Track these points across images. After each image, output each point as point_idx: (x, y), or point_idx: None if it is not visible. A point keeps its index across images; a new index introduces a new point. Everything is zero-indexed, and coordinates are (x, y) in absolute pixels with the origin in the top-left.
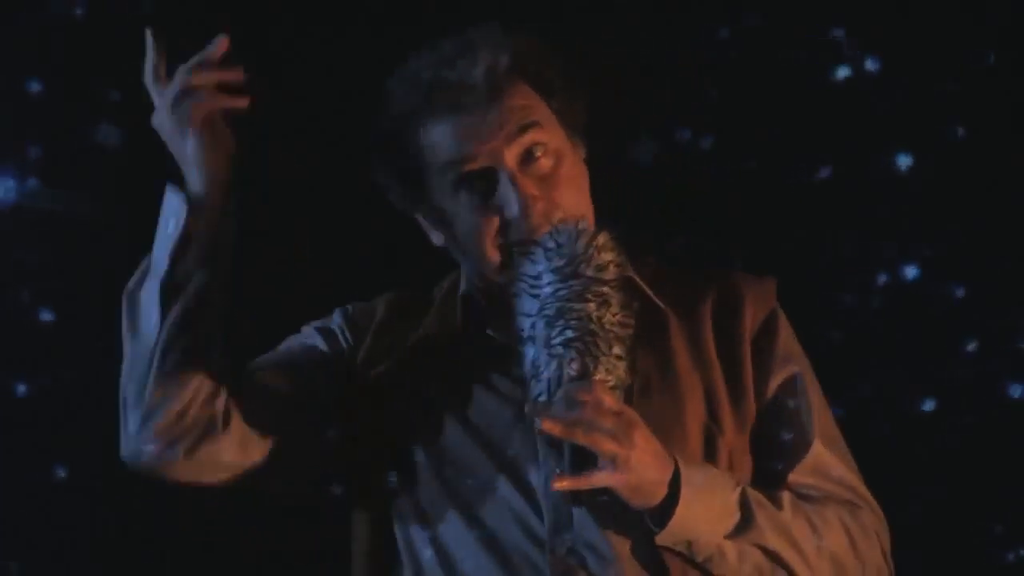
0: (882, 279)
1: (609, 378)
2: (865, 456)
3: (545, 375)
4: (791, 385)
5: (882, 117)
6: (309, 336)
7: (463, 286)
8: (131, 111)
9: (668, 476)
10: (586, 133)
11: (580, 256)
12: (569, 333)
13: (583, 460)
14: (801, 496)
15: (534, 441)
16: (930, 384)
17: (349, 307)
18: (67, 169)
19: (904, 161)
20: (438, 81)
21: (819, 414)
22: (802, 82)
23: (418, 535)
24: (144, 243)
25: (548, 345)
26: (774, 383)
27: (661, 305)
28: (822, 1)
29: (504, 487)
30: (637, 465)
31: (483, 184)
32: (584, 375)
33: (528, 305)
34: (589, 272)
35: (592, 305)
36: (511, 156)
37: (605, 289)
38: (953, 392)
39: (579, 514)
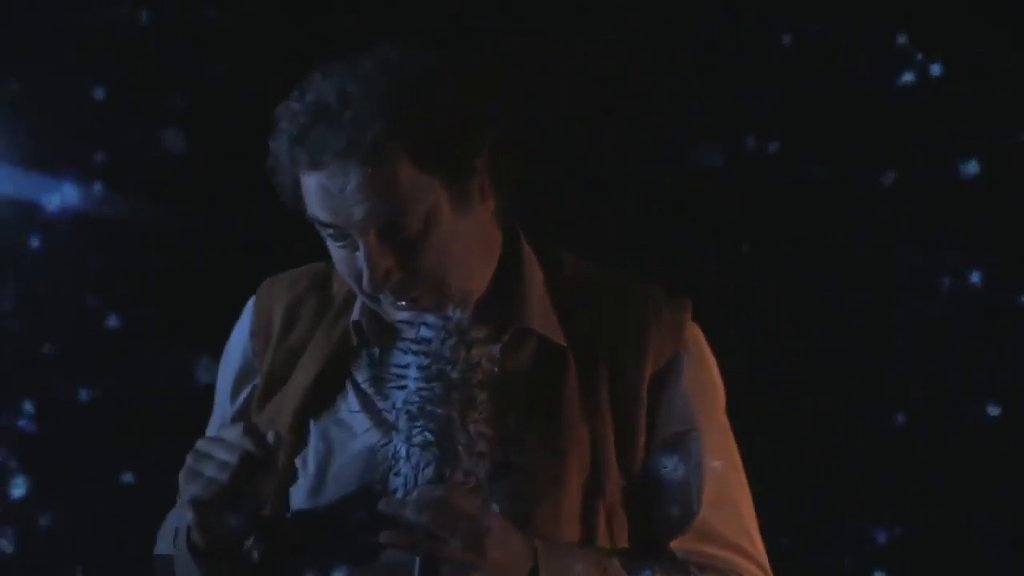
0: (945, 284)
1: (469, 480)
2: (929, 463)
3: (403, 471)
4: (682, 441)
5: (946, 122)
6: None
7: (358, 305)
8: (196, 116)
9: (526, 572)
10: (490, 172)
11: (447, 357)
12: (428, 436)
13: (432, 568)
14: (678, 564)
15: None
16: (994, 390)
17: (251, 317)
18: (132, 174)
19: (968, 167)
20: (305, 134)
21: (715, 473)
22: (866, 87)
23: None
24: (207, 248)
25: (409, 442)
26: (663, 435)
27: (564, 344)
28: (886, 7)
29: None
30: (493, 569)
31: (347, 241)
32: (440, 479)
33: (395, 395)
34: (455, 374)
35: (455, 409)
36: (367, 228)
37: (471, 390)
38: (1018, 398)
39: None
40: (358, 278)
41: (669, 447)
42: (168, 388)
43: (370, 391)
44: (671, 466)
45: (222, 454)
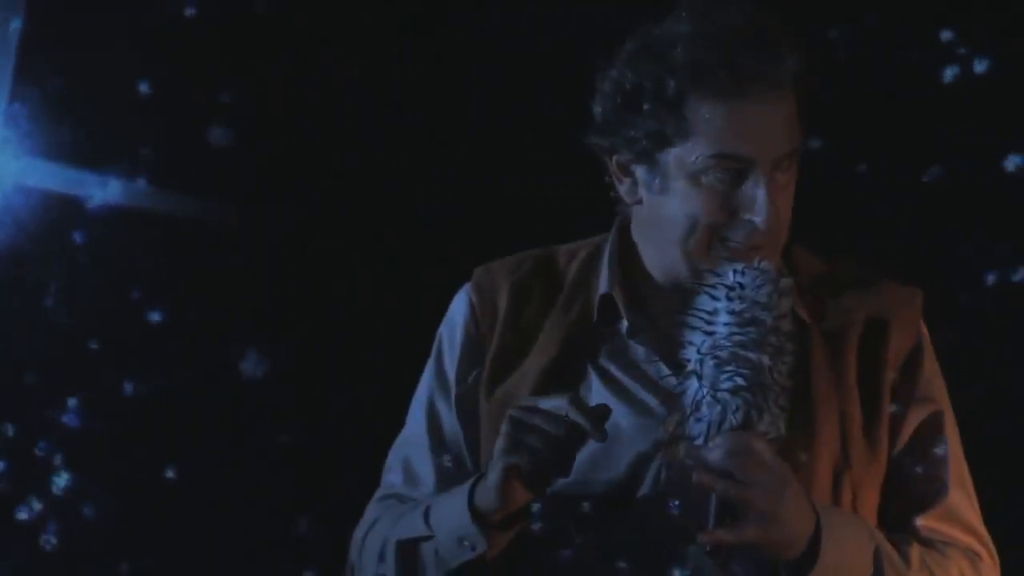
0: (992, 279)
1: (770, 430)
2: (980, 458)
3: (707, 417)
4: (931, 425)
5: (992, 117)
6: (431, 399)
7: (605, 278)
8: (242, 112)
9: (810, 532)
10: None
11: (763, 303)
12: (740, 381)
13: (729, 511)
14: (927, 542)
15: (657, 462)
16: None
17: (470, 299)
18: (177, 171)
19: (1014, 161)
20: (729, 58)
21: (955, 456)
22: (912, 82)
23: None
24: (251, 244)
25: (714, 387)
26: (913, 421)
27: (807, 321)
28: (931, 2)
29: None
30: (785, 522)
31: (731, 177)
32: (748, 426)
33: (698, 339)
34: (769, 321)
35: (767, 356)
36: (775, 163)
37: (781, 339)
38: None
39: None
40: (725, 211)
41: (918, 429)
42: (212, 383)
43: (614, 371)
44: (921, 445)
45: (547, 425)
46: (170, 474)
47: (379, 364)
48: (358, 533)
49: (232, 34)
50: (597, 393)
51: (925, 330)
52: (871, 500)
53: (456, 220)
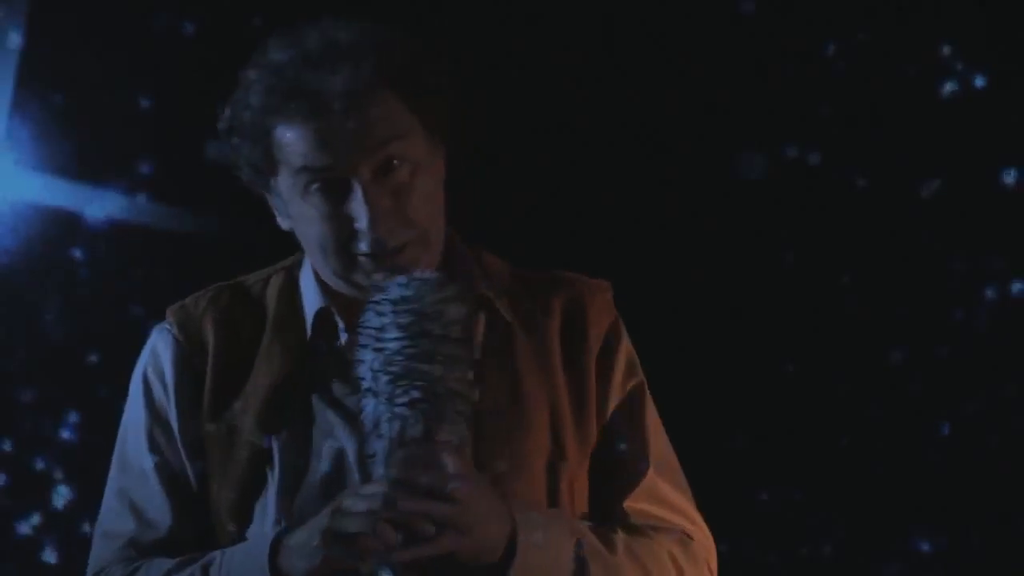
0: (989, 294)
1: (452, 437)
2: (975, 472)
3: (386, 434)
4: (630, 404)
5: (989, 132)
6: (151, 438)
7: (314, 295)
8: None
9: (506, 537)
10: (451, 134)
11: (429, 313)
12: (415, 394)
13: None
14: (634, 528)
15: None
16: None
17: (174, 336)
18: (177, 185)
19: (1010, 175)
20: (298, 83)
21: (654, 435)
22: (909, 97)
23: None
24: (251, 258)
25: (391, 403)
26: (614, 400)
27: (509, 320)
28: (928, 18)
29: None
30: (477, 531)
31: (335, 192)
32: (427, 437)
33: (371, 357)
34: (437, 331)
35: (439, 366)
36: (366, 168)
37: (453, 347)
38: None
39: None
40: (344, 228)
41: (619, 408)
42: None
43: (335, 389)
44: (622, 425)
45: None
46: None
47: None
48: None
49: (231, 48)
50: (321, 415)
51: (617, 314)
52: (585, 489)
53: None
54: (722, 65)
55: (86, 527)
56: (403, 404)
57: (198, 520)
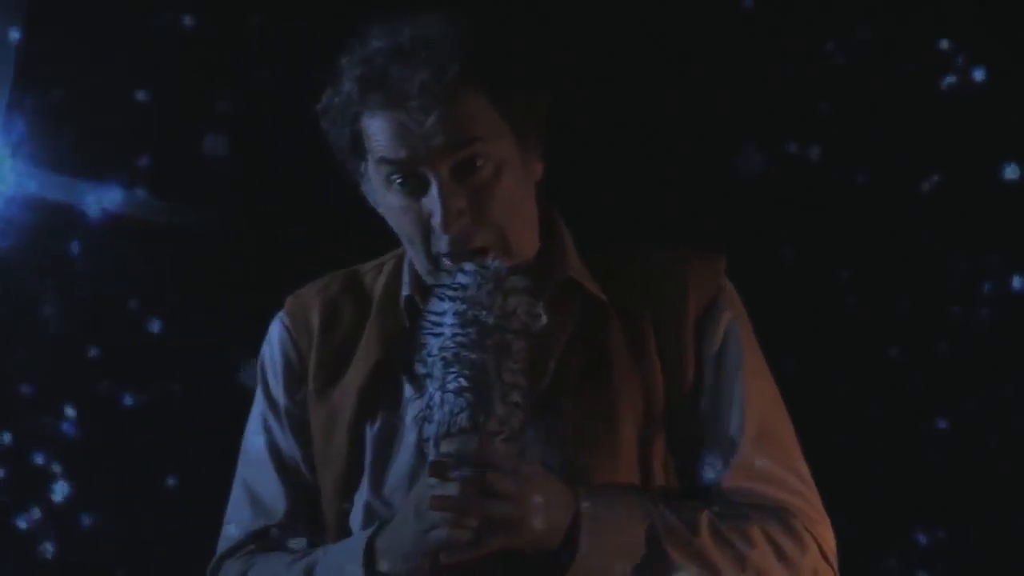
0: (989, 289)
1: (502, 428)
2: (974, 469)
3: (437, 418)
4: (727, 375)
5: (989, 127)
6: (266, 423)
7: (406, 282)
8: (238, 121)
9: (567, 522)
10: (543, 135)
11: (482, 303)
12: (462, 382)
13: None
14: (729, 505)
15: None
16: None
17: (284, 323)
18: (175, 179)
19: (1011, 171)
20: (384, 74)
21: (754, 405)
22: (908, 92)
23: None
24: (249, 252)
25: (443, 389)
26: (709, 373)
27: (602, 299)
28: (928, 11)
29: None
30: (534, 523)
31: (415, 187)
32: (474, 427)
33: (430, 343)
34: (490, 320)
35: (489, 355)
36: (444, 166)
37: (507, 337)
38: None
39: None
40: (425, 224)
41: (717, 376)
42: (211, 392)
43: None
44: (719, 394)
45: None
46: (169, 482)
47: None
48: None
49: (230, 44)
50: (409, 401)
51: (730, 287)
52: (687, 464)
53: None
54: (722, 63)
55: (85, 521)
56: (452, 391)
57: (312, 505)
